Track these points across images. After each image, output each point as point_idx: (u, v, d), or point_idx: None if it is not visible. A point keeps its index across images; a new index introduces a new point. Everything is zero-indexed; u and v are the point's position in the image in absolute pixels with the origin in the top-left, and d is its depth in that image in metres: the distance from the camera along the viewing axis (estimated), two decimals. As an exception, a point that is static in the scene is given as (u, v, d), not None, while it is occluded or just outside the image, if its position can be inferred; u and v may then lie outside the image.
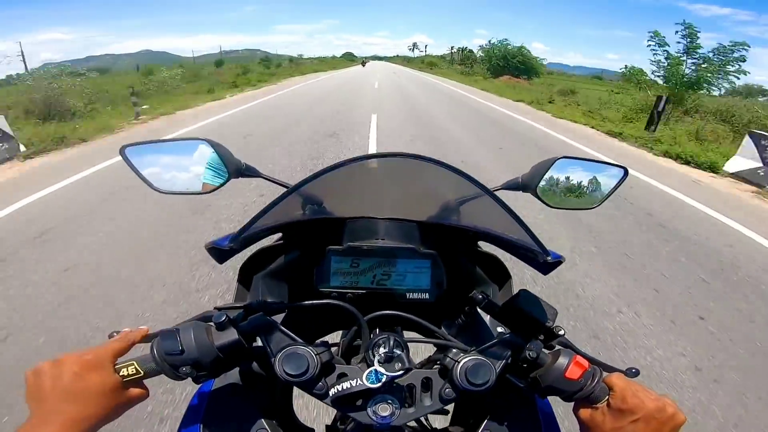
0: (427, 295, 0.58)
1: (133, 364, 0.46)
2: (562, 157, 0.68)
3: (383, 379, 0.45)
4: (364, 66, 56.65)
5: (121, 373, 0.46)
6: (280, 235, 0.65)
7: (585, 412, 0.49)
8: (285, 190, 0.69)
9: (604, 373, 0.49)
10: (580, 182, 0.71)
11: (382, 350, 0.48)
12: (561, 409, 0.63)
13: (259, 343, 0.51)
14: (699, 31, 12.13)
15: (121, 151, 0.63)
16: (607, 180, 0.71)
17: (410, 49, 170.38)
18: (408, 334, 0.59)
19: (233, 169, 0.65)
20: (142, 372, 0.46)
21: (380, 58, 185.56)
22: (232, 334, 0.48)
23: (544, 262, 0.50)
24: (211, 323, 0.49)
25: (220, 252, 0.50)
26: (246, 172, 0.68)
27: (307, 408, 1.59)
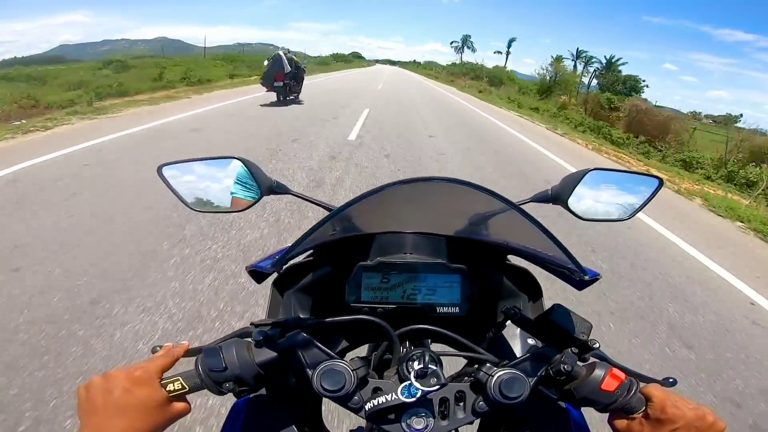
0: (458, 309, 0.59)
1: (178, 380, 0.47)
2: (593, 169, 0.67)
3: (418, 394, 0.45)
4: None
5: (167, 389, 0.47)
6: (310, 251, 0.66)
7: (621, 423, 0.49)
8: (314, 205, 0.71)
9: (641, 384, 0.49)
10: (612, 193, 0.70)
11: (416, 365, 0.48)
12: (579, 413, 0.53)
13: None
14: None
15: (159, 170, 0.65)
16: (641, 191, 0.70)
17: (458, 50, 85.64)
18: (439, 348, 0.59)
19: (265, 186, 0.67)
20: (187, 387, 0.47)
21: (393, 63, 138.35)
22: (271, 351, 0.49)
23: (579, 279, 0.49)
24: (251, 340, 0.50)
25: (259, 274, 0.51)
26: (277, 189, 0.69)
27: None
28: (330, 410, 1.58)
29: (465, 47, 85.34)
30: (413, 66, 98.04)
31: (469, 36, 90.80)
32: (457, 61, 76.60)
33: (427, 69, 73.86)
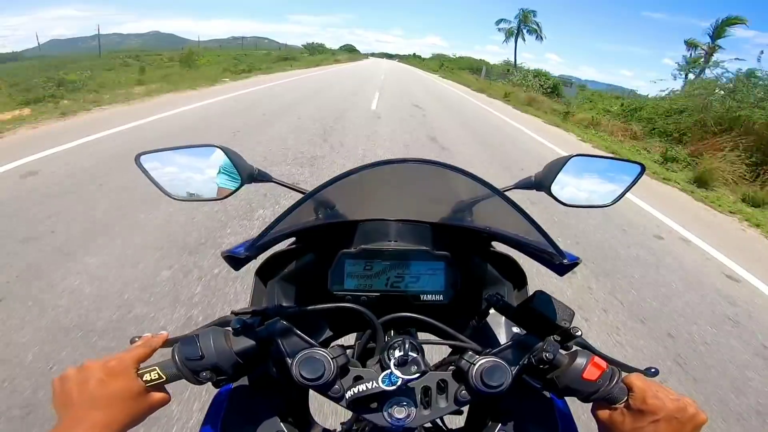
0: (441, 297, 0.58)
1: (155, 370, 0.47)
2: (576, 155, 0.67)
3: (398, 382, 0.45)
4: None
5: (144, 379, 0.46)
6: (293, 239, 0.66)
7: (604, 413, 0.48)
8: (298, 194, 0.69)
9: (623, 374, 0.49)
10: (595, 180, 0.70)
11: (397, 353, 0.48)
12: (573, 406, 0.61)
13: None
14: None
15: (137, 159, 0.63)
16: (623, 176, 0.70)
17: (509, 37, 38.44)
18: (423, 336, 0.59)
19: (246, 174, 0.66)
20: (164, 377, 0.47)
21: (391, 56, 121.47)
22: (249, 339, 0.48)
23: (559, 263, 0.49)
24: (229, 328, 0.49)
25: (236, 260, 0.50)
26: (259, 177, 0.68)
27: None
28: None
29: (523, 31, 39.74)
30: (416, 61, 71.64)
31: (534, 12, 39.93)
32: (510, 57, 39.76)
33: (442, 69, 41.60)
